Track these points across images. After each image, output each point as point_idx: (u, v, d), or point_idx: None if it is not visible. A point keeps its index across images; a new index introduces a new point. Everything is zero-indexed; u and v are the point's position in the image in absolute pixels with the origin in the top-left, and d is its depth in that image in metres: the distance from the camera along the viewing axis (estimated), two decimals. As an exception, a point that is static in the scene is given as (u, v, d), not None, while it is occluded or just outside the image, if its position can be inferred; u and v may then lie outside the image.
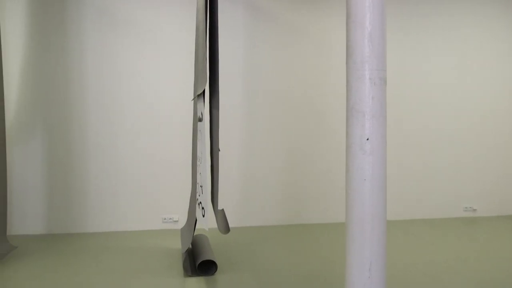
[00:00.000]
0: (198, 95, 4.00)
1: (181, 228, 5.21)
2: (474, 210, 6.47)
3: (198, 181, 4.07)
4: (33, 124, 5.50)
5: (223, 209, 4.74)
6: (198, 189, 4.03)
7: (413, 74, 6.29)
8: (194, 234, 4.82)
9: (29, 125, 5.49)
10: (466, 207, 6.46)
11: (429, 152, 6.36)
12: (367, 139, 2.59)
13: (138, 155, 5.68)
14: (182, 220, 5.70)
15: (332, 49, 6.03)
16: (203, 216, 3.82)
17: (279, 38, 5.94)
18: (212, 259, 4.15)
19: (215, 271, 4.16)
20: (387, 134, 2.69)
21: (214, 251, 4.66)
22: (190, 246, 4.71)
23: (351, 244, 2.68)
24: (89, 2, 5.53)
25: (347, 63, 2.68)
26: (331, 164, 6.07)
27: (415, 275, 4.10)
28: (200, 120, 3.93)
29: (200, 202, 3.94)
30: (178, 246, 5.01)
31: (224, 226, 4.44)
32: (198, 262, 4.14)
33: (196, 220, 4.28)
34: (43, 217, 5.55)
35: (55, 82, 5.51)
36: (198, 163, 4.10)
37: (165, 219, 5.74)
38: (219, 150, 4.33)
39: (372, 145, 2.59)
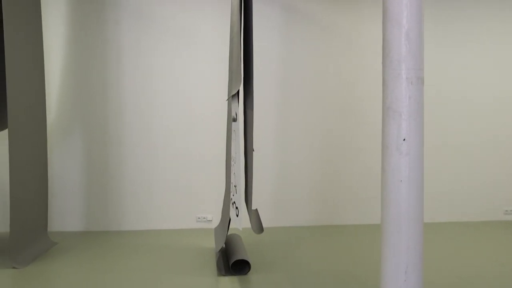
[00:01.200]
0: (233, 96, 4.02)
1: (215, 228, 5.26)
2: (516, 213, 6.26)
3: (232, 180, 4.09)
4: (72, 124, 5.66)
5: (256, 209, 4.75)
6: (232, 188, 4.05)
7: (451, 74, 6.14)
8: (228, 234, 4.85)
9: (68, 125, 5.65)
10: (506, 210, 6.24)
11: (468, 153, 6.19)
12: (404, 139, 2.55)
13: (173, 155, 5.76)
14: (215, 219, 5.75)
15: (368, 48, 5.95)
16: (237, 215, 3.84)
17: (314, 37, 5.90)
18: (246, 258, 4.16)
19: (248, 271, 4.17)
20: (424, 134, 2.64)
21: (247, 250, 4.67)
22: (224, 246, 4.74)
23: (386, 246, 2.64)
24: (126, 5, 5.65)
25: (383, 62, 2.65)
26: (366, 164, 5.99)
27: (452, 280, 3.99)
28: (235, 120, 3.95)
29: (234, 202, 3.96)
30: (211, 245, 5.05)
31: (257, 226, 4.45)
32: (232, 262, 4.16)
33: (230, 219, 4.31)
34: (81, 215, 5.70)
35: (93, 83, 5.65)
36: (232, 163, 4.12)
37: (199, 218, 5.80)
38: (253, 150, 4.34)
39: (409, 146, 2.55)
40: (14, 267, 4.25)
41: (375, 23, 5.85)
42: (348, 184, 6.01)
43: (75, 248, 4.95)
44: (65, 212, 5.67)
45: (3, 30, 4.24)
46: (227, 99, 4.55)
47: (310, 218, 5.97)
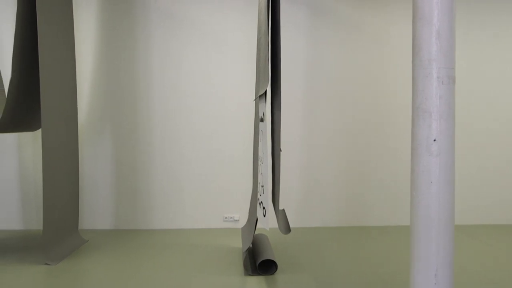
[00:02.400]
0: (260, 96, 4.02)
1: (242, 227, 5.27)
2: (551, 216, 6.06)
3: (259, 180, 4.09)
4: (102, 125, 5.76)
5: (283, 209, 4.74)
6: (259, 188, 4.06)
7: (482, 73, 5.99)
8: (255, 234, 4.85)
9: (98, 125, 5.76)
10: (542, 214, 6.06)
11: (500, 154, 6.03)
12: (434, 140, 2.50)
13: (200, 154, 5.80)
14: (242, 219, 5.76)
15: (397, 47, 5.87)
16: (264, 215, 3.84)
17: (342, 37, 5.85)
18: (273, 258, 4.16)
19: (275, 271, 4.16)
20: (455, 135, 2.58)
21: (274, 250, 4.67)
22: (251, 245, 4.75)
23: (416, 248, 2.59)
24: (155, 7, 5.72)
25: (413, 61, 2.61)
26: (395, 165, 5.90)
27: (484, 284, 3.90)
28: (262, 120, 3.96)
29: (261, 202, 3.96)
30: (238, 244, 5.06)
31: (284, 226, 4.44)
32: (259, 262, 4.16)
33: (257, 219, 4.31)
34: (111, 214, 5.80)
35: (123, 84, 5.75)
36: (259, 163, 4.13)
37: (226, 218, 5.83)
38: (280, 150, 4.33)
39: (439, 146, 2.50)
40: (46, 264, 4.36)
41: (404, 21, 5.79)
42: (376, 184, 5.94)
43: (105, 245, 5.05)
44: (96, 211, 5.79)
45: (37, 33, 4.34)
46: (255, 99, 4.55)
47: (338, 218, 5.92)
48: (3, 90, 5.14)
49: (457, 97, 2.64)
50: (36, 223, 5.74)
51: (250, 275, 4.11)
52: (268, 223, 3.78)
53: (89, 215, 5.79)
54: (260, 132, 4.05)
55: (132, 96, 5.76)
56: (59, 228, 4.72)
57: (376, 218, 5.95)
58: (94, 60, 5.74)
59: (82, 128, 5.69)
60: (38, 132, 5.53)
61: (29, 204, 5.77)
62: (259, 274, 4.11)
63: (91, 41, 5.73)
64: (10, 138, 5.73)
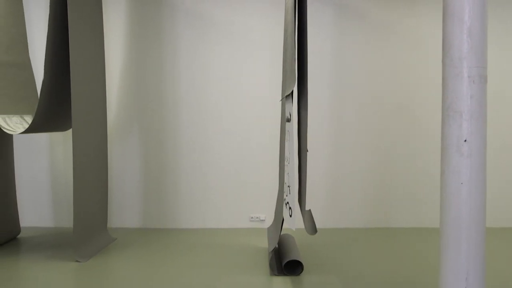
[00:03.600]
0: (287, 96, 4.01)
1: (268, 228, 5.27)
2: None
3: (285, 181, 4.08)
4: (130, 124, 5.85)
5: (310, 210, 4.72)
6: (286, 189, 4.05)
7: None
8: (281, 234, 4.84)
9: (127, 125, 5.85)
10: None
11: (535, 155, 5.86)
12: (465, 140, 2.45)
13: (227, 154, 5.82)
14: (269, 219, 5.76)
15: (425, 45, 5.76)
16: (290, 216, 3.83)
17: (369, 36, 5.79)
18: (299, 259, 4.15)
19: (301, 272, 4.15)
20: (487, 135, 2.52)
21: (300, 251, 4.65)
22: (277, 246, 4.74)
23: (445, 251, 2.54)
24: (182, 8, 5.77)
25: (443, 60, 2.56)
26: (423, 165, 5.80)
27: (517, 288, 3.80)
28: (289, 120, 3.95)
29: (288, 202, 3.95)
30: (264, 245, 5.06)
31: (311, 227, 4.42)
32: (285, 262, 4.15)
33: (283, 220, 4.30)
34: (139, 212, 5.88)
35: (151, 84, 5.82)
36: (286, 163, 4.12)
37: (252, 218, 5.83)
38: (307, 151, 4.31)
39: (470, 147, 2.44)
40: (77, 261, 4.45)
41: (433, 19, 5.68)
42: (404, 185, 5.85)
43: (133, 244, 5.12)
44: (124, 209, 5.88)
45: (68, 34, 4.43)
46: (281, 100, 4.55)
47: (365, 219, 5.86)
48: (36, 91, 5.27)
49: (488, 96, 2.58)
50: (67, 221, 5.86)
51: (276, 275, 4.11)
52: (294, 223, 3.77)
53: (117, 214, 5.88)
54: (286, 132, 4.04)
55: (160, 96, 5.82)
56: (89, 226, 4.81)
57: (404, 220, 5.86)
58: (122, 61, 5.83)
59: (110, 128, 5.78)
60: (69, 132, 5.65)
61: (60, 202, 5.90)
62: (285, 275, 4.10)
63: (120, 41, 5.82)
64: (42, 138, 5.88)
